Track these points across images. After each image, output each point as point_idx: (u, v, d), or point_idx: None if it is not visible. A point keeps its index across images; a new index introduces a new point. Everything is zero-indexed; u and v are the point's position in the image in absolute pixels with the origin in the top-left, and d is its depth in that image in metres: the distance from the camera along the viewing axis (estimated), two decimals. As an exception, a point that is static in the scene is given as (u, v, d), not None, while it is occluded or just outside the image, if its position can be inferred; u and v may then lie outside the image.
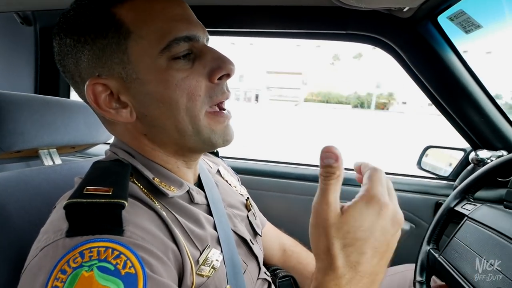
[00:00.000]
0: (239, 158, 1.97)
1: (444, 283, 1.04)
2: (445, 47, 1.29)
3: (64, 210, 0.53)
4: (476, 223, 1.01)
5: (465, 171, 1.57)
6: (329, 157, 0.49)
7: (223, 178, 0.97)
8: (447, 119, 1.49)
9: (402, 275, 1.24)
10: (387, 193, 0.51)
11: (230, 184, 0.97)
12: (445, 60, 1.29)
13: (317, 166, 1.87)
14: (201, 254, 0.67)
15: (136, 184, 0.65)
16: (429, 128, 25.94)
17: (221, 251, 0.72)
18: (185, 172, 0.77)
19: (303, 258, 1.11)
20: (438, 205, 1.59)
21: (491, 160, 1.37)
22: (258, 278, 0.87)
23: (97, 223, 0.51)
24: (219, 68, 0.66)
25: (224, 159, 1.12)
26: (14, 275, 0.70)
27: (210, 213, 0.77)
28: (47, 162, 1.05)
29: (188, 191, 0.74)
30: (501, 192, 1.31)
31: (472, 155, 1.46)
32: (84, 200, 0.54)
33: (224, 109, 0.71)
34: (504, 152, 1.40)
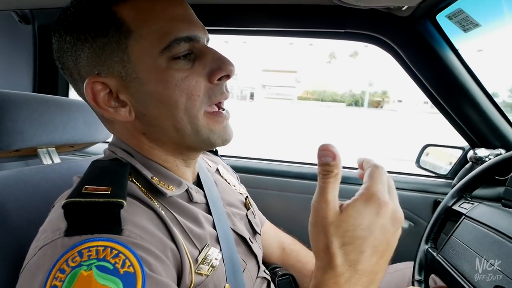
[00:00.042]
0: (238, 156, 1.97)
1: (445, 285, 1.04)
2: (443, 45, 1.29)
3: (62, 210, 0.53)
4: (474, 221, 1.01)
5: (463, 169, 1.58)
6: (326, 155, 0.48)
7: (222, 177, 0.97)
8: (446, 117, 1.50)
9: (401, 273, 1.24)
10: (387, 192, 0.50)
11: (229, 183, 0.97)
12: (443, 59, 1.30)
13: (315, 164, 1.87)
14: (200, 253, 0.67)
15: (134, 183, 0.65)
16: (421, 126, 26.05)
17: (220, 249, 0.72)
18: (184, 171, 0.77)
19: (302, 256, 1.11)
20: (436, 203, 1.59)
21: (489, 159, 1.38)
22: (257, 277, 0.87)
23: (96, 222, 0.51)
24: (219, 69, 0.67)
25: (223, 157, 1.12)
26: (13, 274, 0.70)
27: (209, 212, 0.77)
28: (46, 161, 1.05)
29: (187, 190, 0.74)
30: (499, 190, 1.31)
31: (470, 153, 1.47)
32: (83, 200, 0.54)
33: (223, 109, 0.71)
34: (502, 151, 1.40)
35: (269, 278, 0.93)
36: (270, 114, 31.01)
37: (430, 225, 1.15)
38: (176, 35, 0.62)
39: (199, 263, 0.65)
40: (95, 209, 0.53)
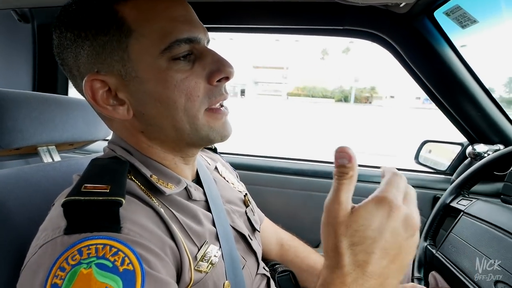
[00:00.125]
0: (237, 153, 1.97)
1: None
2: (441, 42, 1.29)
3: (62, 208, 0.54)
4: (472, 217, 1.02)
5: (462, 165, 1.58)
6: (343, 157, 0.48)
7: (220, 175, 0.97)
8: (444, 113, 1.50)
9: None
10: (401, 197, 0.50)
11: (227, 181, 0.97)
12: (441, 55, 1.30)
13: (314, 161, 1.88)
14: (199, 250, 0.67)
15: (133, 181, 0.66)
16: (405, 121, 26.20)
17: (220, 246, 0.72)
18: (183, 169, 0.77)
19: (300, 252, 1.12)
20: (436, 199, 1.60)
21: (488, 154, 1.38)
22: (257, 274, 0.87)
23: (95, 221, 0.52)
24: (219, 70, 0.67)
25: (222, 155, 1.12)
26: (14, 271, 0.70)
27: (208, 209, 0.77)
28: (46, 159, 1.05)
29: (186, 188, 0.74)
30: (498, 186, 1.31)
31: (469, 149, 1.47)
32: (82, 198, 0.55)
33: (222, 105, 0.72)
34: (501, 146, 1.41)
35: (269, 275, 0.94)
36: (258, 110, 31.12)
37: (429, 223, 1.16)
38: (176, 36, 0.63)
39: (198, 260, 0.65)
40: (94, 207, 0.54)
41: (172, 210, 0.67)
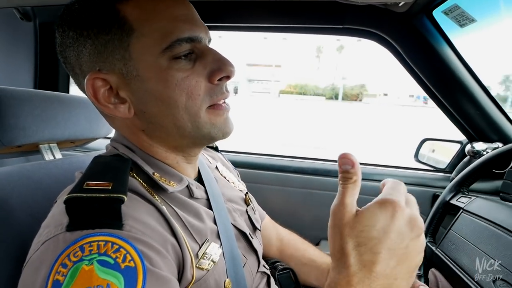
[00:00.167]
0: (237, 152, 1.98)
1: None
2: (440, 41, 1.29)
3: (64, 205, 0.54)
4: (472, 215, 1.02)
5: (461, 163, 1.58)
6: (346, 163, 0.49)
7: (221, 174, 0.97)
8: (443, 111, 1.50)
9: None
10: (404, 200, 0.50)
11: (228, 181, 0.97)
12: (440, 54, 1.30)
13: (314, 159, 1.88)
14: (200, 247, 0.67)
15: (136, 179, 0.66)
16: (389, 118, 26.64)
17: (221, 244, 0.73)
18: (185, 167, 0.77)
19: (299, 245, 1.12)
20: (435, 197, 1.60)
21: (487, 152, 1.39)
22: (257, 271, 0.87)
23: (97, 218, 0.52)
24: (219, 69, 0.67)
25: (223, 153, 1.12)
26: (17, 268, 0.71)
27: (210, 207, 0.78)
28: (48, 156, 1.06)
29: (187, 186, 0.74)
30: (497, 183, 1.32)
31: (468, 147, 1.48)
32: (84, 195, 0.55)
33: (223, 101, 0.72)
34: (500, 144, 1.41)
35: (269, 273, 0.94)
36: (248, 107, 31.36)
37: (429, 220, 1.16)
38: (178, 36, 0.63)
39: (199, 257, 0.66)
40: (96, 204, 0.54)
41: (174, 208, 0.68)
